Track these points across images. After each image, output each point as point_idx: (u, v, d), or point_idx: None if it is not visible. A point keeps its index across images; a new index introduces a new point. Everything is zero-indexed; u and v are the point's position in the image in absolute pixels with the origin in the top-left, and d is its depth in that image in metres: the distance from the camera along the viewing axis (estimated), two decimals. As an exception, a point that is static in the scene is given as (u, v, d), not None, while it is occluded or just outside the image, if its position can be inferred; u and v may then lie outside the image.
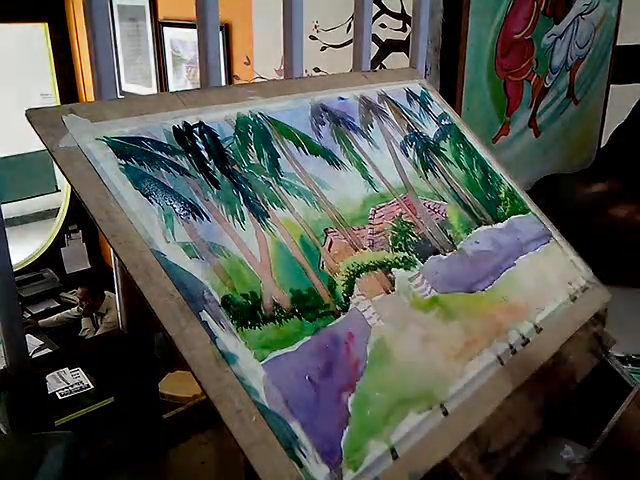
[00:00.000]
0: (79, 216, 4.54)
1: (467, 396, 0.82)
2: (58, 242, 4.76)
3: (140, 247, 0.69)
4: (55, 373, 2.77)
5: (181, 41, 3.54)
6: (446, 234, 1.02)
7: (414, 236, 0.97)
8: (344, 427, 0.69)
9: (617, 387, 1.10)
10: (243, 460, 0.61)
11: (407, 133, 1.14)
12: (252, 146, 0.90)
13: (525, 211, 1.20)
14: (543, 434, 0.93)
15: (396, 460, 0.71)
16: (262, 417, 0.64)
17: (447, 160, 1.17)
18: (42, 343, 3.57)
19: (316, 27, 2.44)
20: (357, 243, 0.89)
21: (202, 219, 0.77)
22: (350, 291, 0.82)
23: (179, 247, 0.72)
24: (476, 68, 1.88)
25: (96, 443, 1.18)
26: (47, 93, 4.72)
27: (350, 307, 0.80)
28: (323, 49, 2.45)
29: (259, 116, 0.94)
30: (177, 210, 0.75)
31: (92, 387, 2.82)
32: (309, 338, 0.74)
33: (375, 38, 2.15)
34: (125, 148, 0.77)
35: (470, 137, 1.26)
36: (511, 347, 0.93)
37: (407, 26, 2.11)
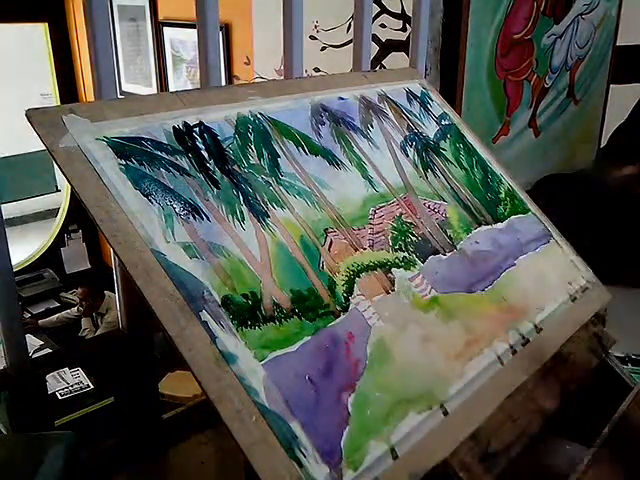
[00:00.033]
0: (79, 216, 4.54)
1: (467, 396, 0.82)
2: (58, 242, 4.76)
3: (140, 247, 0.69)
4: (55, 373, 2.77)
5: (181, 41, 3.54)
6: (446, 234, 1.02)
7: (414, 236, 0.97)
8: (344, 427, 0.69)
9: (617, 387, 1.10)
10: (243, 460, 0.61)
11: (407, 133, 1.14)
12: (252, 146, 0.90)
13: (525, 211, 1.20)
14: (543, 434, 0.93)
15: (396, 460, 0.71)
16: (262, 417, 0.64)
17: (447, 160, 1.17)
18: (42, 343, 3.57)
19: (316, 27, 2.44)
20: (357, 243, 0.89)
21: (202, 219, 0.77)
22: (350, 291, 0.82)
23: (179, 247, 0.72)
24: (476, 68, 1.88)
25: (96, 443, 1.18)
26: (47, 93, 4.72)
27: (350, 307, 0.80)
28: (323, 49, 2.45)
29: (259, 116, 0.94)
30: (177, 210, 0.75)
31: (92, 387, 2.82)
32: (309, 338, 0.74)
33: (375, 38, 2.15)
34: (125, 148, 0.77)
35: (470, 137, 1.26)
36: (511, 347, 0.93)
37: (407, 26, 2.11)
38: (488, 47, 1.90)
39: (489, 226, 1.10)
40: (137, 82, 3.96)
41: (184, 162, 0.81)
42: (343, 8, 2.24)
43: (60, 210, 4.76)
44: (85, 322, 3.78)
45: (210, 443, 1.24)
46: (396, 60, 2.16)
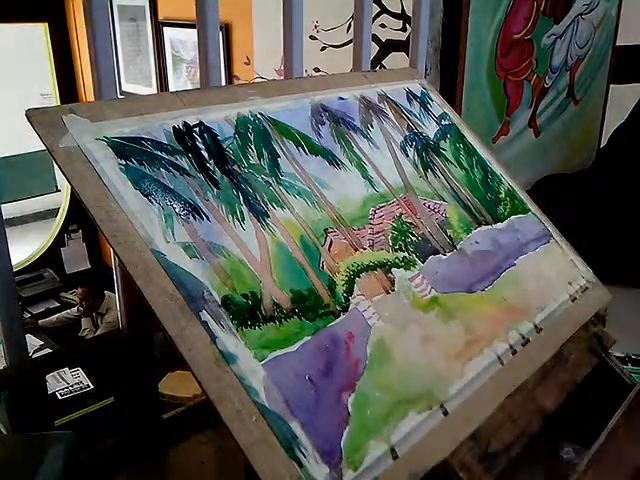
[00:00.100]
0: (79, 216, 4.54)
1: (467, 396, 0.82)
2: (58, 242, 4.75)
3: (140, 247, 0.69)
4: (55, 373, 2.77)
5: (181, 41, 3.54)
6: (446, 234, 1.02)
7: (414, 236, 0.97)
8: (344, 427, 0.69)
9: (617, 387, 1.10)
10: (243, 460, 0.61)
11: (407, 133, 1.14)
12: (252, 146, 0.90)
13: (525, 211, 1.20)
14: (543, 434, 0.93)
15: (396, 460, 0.71)
16: (262, 417, 0.64)
17: (447, 160, 1.17)
18: (42, 343, 3.57)
19: (316, 27, 2.44)
20: (357, 243, 0.89)
21: (202, 219, 0.77)
22: (350, 291, 0.82)
23: (179, 247, 0.72)
24: (476, 68, 1.88)
25: (96, 443, 1.18)
26: (47, 93, 4.71)
27: (350, 307, 0.80)
28: (323, 49, 2.45)
29: (259, 116, 0.94)
30: (177, 210, 0.75)
31: (92, 387, 2.81)
32: (309, 338, 0.74)
33: (375, 38, 2.15)
34: (125, 148, 0.77)
35: (470, 137, 1.26)
36: (511, 347, 0.93)
37: (407, 26, 2.11)
38: (488, 47, 1.90)
39: (489, 226, 1.10)
40: (137, 82, 3.96)
41: (184, 162, 0.81)
42: (343, 8, 2.24)
43: (60, 210, 4.76)
44: (85, 322, 3.78)
45: (210, 443, 1.24)
46: (396, 60, 2.16)
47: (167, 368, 2.00)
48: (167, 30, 3.59)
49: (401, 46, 2.15)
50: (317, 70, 2.46)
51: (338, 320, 0.78)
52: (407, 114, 1.18)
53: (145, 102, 0.84)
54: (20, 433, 1.03)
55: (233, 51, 3.17)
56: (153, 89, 3.78)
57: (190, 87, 3.54)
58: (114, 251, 0.69)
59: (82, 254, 4.82)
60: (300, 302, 0.76)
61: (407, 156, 1.10)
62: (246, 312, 0.71)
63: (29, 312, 4.18)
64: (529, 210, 1.21)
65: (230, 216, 0.79)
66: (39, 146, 0.72)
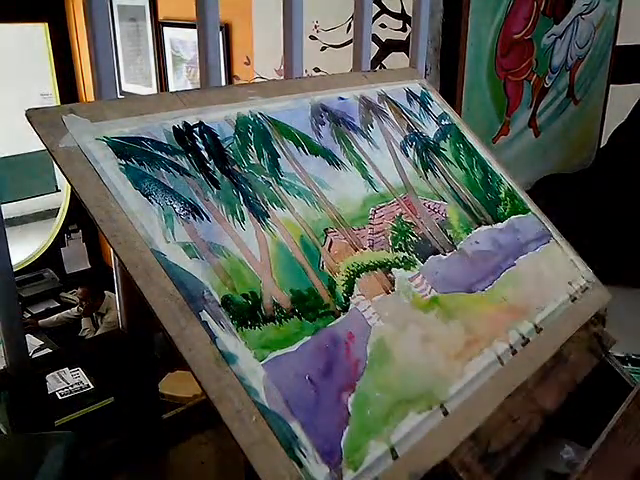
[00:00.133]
0: (79, 216, 4.54)
1: (467, 396, 0.82)
2: (58, 242, 4.75)
3: (140, 247, 0.69)
4: (55, 373, 2.77)
5: (181, 41, 3.54)
6: (446, 234, 1.02)
7: (414, 236, 0.97)
8: (344, 427, 0.69)
9: (617, 387, 1.10)
10: (243, 460, 0.61)
11: (407, 133, 1.14)
12: (252, 146, 0.90)
13: (525, 211, 1.20)
14: (543, 434, 0.93)
15: (396, 460, 0.71)
16: (262, 417, 0.64)
17: (447, 160, 1.17)
18: (42, 343, 3.57)
19: (316, 27, 2.44)
20: (357, 243, 0.89)
21: (202, 219, 0.77)
22: (350, 291, 0.82)
23: (179, 247, 0.72)
24: (476, 68, 1.88)
25: (96, 443, 1.18)
26: (47, 93, 4.72)
27: (350, 307, 0.80)
28: (323, 49, 2.45)
29: (259, 116, 0.94)
30: (177, 210, 0.75)
31: (92, 387, 2.82)
32: (309, 338, 0.74)
33: (375, 38, 2.15)
34: (125, 148, 0.77)
35: (470, 137, 1.26)
36: (511, 347, 0.93)
37: (407, 26, 2.11)
38: (488, 47, 1.90)
39: (489, 226, 1.10)
40: (137, 82, 3.96)
41: (184, 162, 0.81)
42: (343, 8, 2.24)
43: (60, 210, 4.76)
44: (85, 322, 3.78)
45: (210, 443, 1.24)
46: (396, 60, 2.16)
47: (167, 368, 2.00)
48: (167, 30, 3.59)
49: (401, 46, 2.15)
50: (317, 70, 2.46)
51: (338, 320, 0.78)
52: (407, 114, 1.18)
53: (145, 102, 0.84)
54: (20, 433, 1.03)
55: (233, 51, 3.17)
56: (153, 89, 3.78)
57: (190, 87, 3.54)
58: (114, 251, 0.69)
59: (82, 254, 4.82)
60: (300, 302, 0.76)
61: (407, 156, 1.10)
62: (246, 312, 0.71)
63: (29, 312, 4.18)
64: (529, 210, 1.21)
65: (230, 216, 0.79)
66: (39, 146, 0.72)
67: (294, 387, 0.68)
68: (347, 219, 0.91)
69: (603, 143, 2.57)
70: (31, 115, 0.74)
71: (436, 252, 0.98)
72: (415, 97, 1.24)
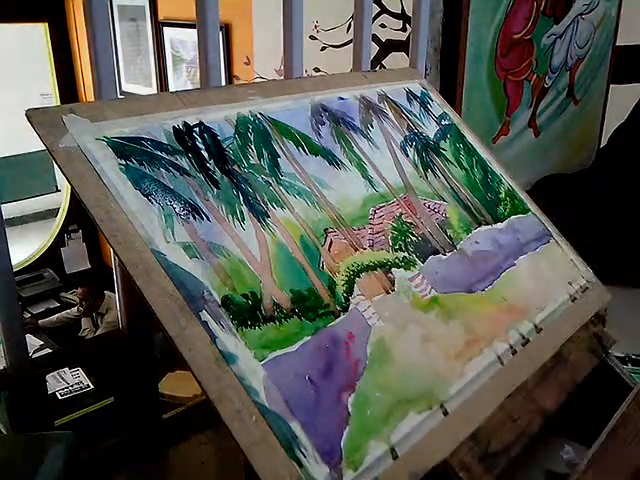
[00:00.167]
0: (79, 216, 4.54)
1: (467, 396, 0.82)
2: (58, 242, 4.75)
3: (140, 247, 0.69)
4: (55, 373, 2.77)
5: (181, 41, 3.54)
6: (446, 234, 1.02)
7: (414, 236, 0.97)
8: (344, 427, 0.69)
9: (617, 387, 1.10)
10: (243, 460, 0.61)
11: (407, 133, 1.14)
12: (252, 146, 0.90)
13: (525, 211, 1.20)
14: (543, 434, 0.93)
15: (396, 460, 0.71)
16: (262, 417, 0.64)
17: (447, 160, 1.17)
18: (42, 343, 3.57)
19: (316, 27, 2.44)
20: (357, 243, 0.89)
21: (202, 219, 0.77)
22: (350, 291, 0.82)
23: (179, 247, 0.72)
24: (476, 68, 1.88)
25: (96, 443, 1.18)
26: (47, 93, 4.72)
27: (350, 307, 0.80)
28: (323, 49, 2.45)
29: (259, 116, 0.94)
30: (177, 210, 0.75)
31: (92, 387, 2.81)
32: (309, 338, 0.74)
33: (375, 38, 2.15)
34: (125, 148, 0.77)
35: (470, 137, 1.26)
36: (511, 347, 0.93)
37: (407, 26, 2.11)
38: (488, 47, 1.89)
39: (489, 226, 1.10)
40: (137, 82, 3.96)
41: (184, 162, 0.81)
42: (343, 8, 2.24)
43: (60, 210, 4.76)
44: (85, 322, 3.78)
45: (210, 443, 1.24)
46: (396, 60, 2.16)
47: (167, 368, 2.00)
48: (167, 30, 3.59)
49: (401, 46, 2.15)
50: (317, 70, 2.46)
51: (338, 320, 0.78)
52: (407, 114, 1.18)
53: (145, 102, 0.84)
54: (20, 433, 1.03)
55: (233, 51, 3.17)
56: (153, 89, 3.78)
57: (190, 87, 3.54)
58: (114, 251, 0.69)
59: (82, 254, 4.82)
60: (300, 302, 0.76)
61: (407, 156, 1.10)
62: (246, 312, 0.71)
63: (29, 312, 4.18)
64: (529, 210, 1.21)
65: (230, 216, 0.79)
66: (39, 146, 0.72)
67: (294, 387, 0.68)
68: (347, 219, 0.91)
69: (603, 143, 2.57)
70: (31, 115, 0.74)
71: (436, 252, 0.98)
72: (415, 97, 1.24)
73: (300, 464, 0.64)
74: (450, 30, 1.77)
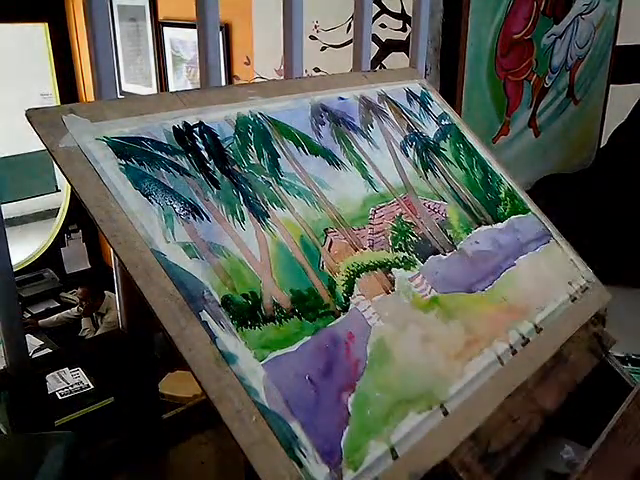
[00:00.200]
0: (79, 216, 4.54)
1: (467, 396, 0.82)
2: (58, 242, 4.75)
3: (140, 247, 0.69)
4: (55, 373, 2.77)
5: (181, 41, 3.54)
6: (446, 234, 1.02)
7: (414, 236, 0.97)
8: (344, 427, 0.69)
9: (617, 387, 1.10)
10: (243, 460, 0.61)
11: (407, 133, 1.14)
12: (252, 146, 0.90)
13: (525, 211, 1.20)
14: (543, 434, 0.93)
15: (396, 460, 0.71)
16: (262, 417, 0.64)
17: (447, 160, 1.17)
18: (42, 343, 3.57)
19: (316, 27, 2.44)
20: (357, 243, 0.89)
21: (202, 219, 0.77)
22: (350, 291, 0.82)
23: (179, 247, 0.72)
24: (476, 68, 1.88)
25: (96, 443, 1.18)
26: (47, 93, 4.72)
27: (350, 307, 0.80)
28: (323, 49, 2.45)
29: (259, 116, 0.94)
30: (177, 210, 0.75)
31: (92, 387, 2.81)
32: (309, 338, 0.74)
33: (375, 38, 2.15)
34: (125, 148, 0.77)
35: (470, 137, 1.26)
36: (511, 347, 0.93)
37: (407, 26, 2.11)
38: (488, 47, 1.90)
39: (489, 226, 1.10)
40: (137, 82, 3.96)
41: (184, 162, 0.81)
42: (343, 8, 2.24)
43: (60, 210, 4.76)
44: (85, 322, 3.78)
45: (210, 443, 1.24)
46: (396, 60, 2.16)
47: (167, 368, 2.00)
48: (167, 30, 3.59)
49: (401, 46, 2.15)
50: (317, 70, 2.46)
51: (338, 320, 0.78)
52: (407, 114, 1.18)
53: (145, 102, 0.84)
54: (20, 433, 1.03)
55: (233, 51, 3.17)
56: (153, 89, 3.78)
57: (190, 87, 3.54)
58: (114, 251, 0.69)
59: (82, 254, 4.82)
60: (300, 302, 0.76)
61: (407, 156, 1.10)
62: (246, 312, 0.71)
63: (29, 312, 4.18)
64: (529, 210, 1.21)
65: (230, 216, 0.79)
66: (39, 146, 0.72)
67: (294, 387, 0.68)
68: (347, 219, 0.91)
69: (603, 143, 2.57)
70: (31, 115, 0.74)
71: (436, 252, 0.98)
72: (415, 97, 1.24)
73: (300, 464, 0.64)
74: (450, 30, 1.77)
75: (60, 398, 2.71)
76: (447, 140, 1.21)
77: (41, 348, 3.44)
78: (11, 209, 4.97)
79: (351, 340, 0.77)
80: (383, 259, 0.90)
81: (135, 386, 1.18)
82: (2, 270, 0.96)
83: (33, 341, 3.51)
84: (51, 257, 4.72)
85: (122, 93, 3.85)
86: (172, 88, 3.64)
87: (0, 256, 0.95)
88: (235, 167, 0.85)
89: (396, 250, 0.93)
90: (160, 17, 3.63)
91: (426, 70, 1.70)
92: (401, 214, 0.99)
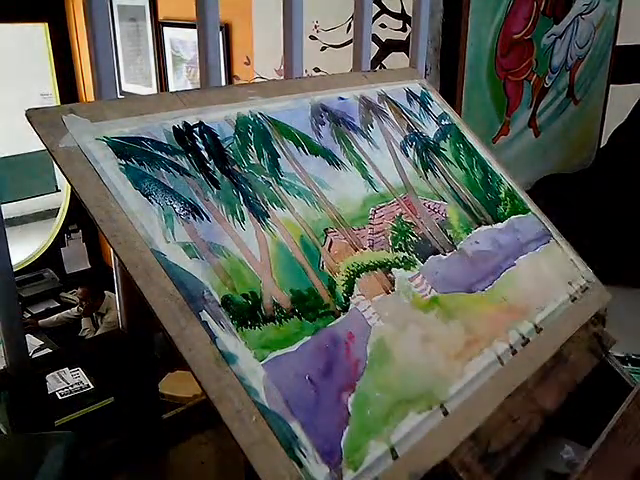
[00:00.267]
0: (79, 216, 4.54)
1: (467, 396, 0.82)
2: (58, 242, 4.75)
3: (140, 247, 0.69)
4: (55, 373, 2.77)
5: (181, 41, 3.54)
6: (446, 234, 1.02)
7: (414, 236, 0.97)
8: (344, 427, 0.69)
9: (617, 387, 1.10)
10: (243, 460, 0.61)
11: (407, 133, 1.14)
12: (252, 146, 0.90)
13: (525, 211, 1.20)
14: (543, 434, 0.93)
15: (396, 460, 0.71)
16: (262, 417, 0.64)
17: (447, 160, 1.17)
18: (42, 343, 3.57)
19: (316, 27, 2.44)
20: (357, 243, 0.89)
21: (202, 219, 0.77)
22: (350, 291, 0.82)
23: (179, 247, 0.72)
24: (476, 68, 1.88)
25: (96, 443, 1.18)
26: (47, 93, 4.72)
27: (350, 307, 0.80)
28: (323, 49, 2.45)
29: (259, 116, 0.94)
30: (177, 210, 0.75)
31: (92, 387, 2.81)
32: (309, 338, 0.74)
33: (375, 38, 2.15)
34: (125, 148, 0.77)
35: (470, 137, 1.26)
36: (511, 347, 0.93)
37: (407, 26, 2.11)
38: (488, 47, 1.90)
39: (489, 226, 1.10)
40: (137, 82, 3.96)
41: (184, 162, 0.81)
42: (343, 8, 2.24)
43: (60, 210, 4.76)
44: (85, 322, 3.78)
45: (210, 443, 1.24)
46: (396, 60, 2.16)
47: (167, 368, 2.00)
48: (167, 30, 3.59)
49: (401, 46, 2.15)
50: (317, 70, 2.46)
51: (338, 320, 0.78)
52: (407, 114, 1.18)
53: (145, 102, 0.84)
54: (20, 433, 1.03)
55: (233, 51, 3.17)
56: (153, 89, 3.78)
57: (190, 87, 3.54)
58: (114, 251, 0.69)
59: (82, 254, 4.82)
60: (300, 302, 0.76)
61: (407, 156, 1.10)
62: (246, 312, 0.71)
63: (29, 312, 4.18)
64: (529, 210, 1.21)
65: (230, 216, 0.79)
66: (39, 146, 0.72)
67: (294, 387, 0.68)
68: (347, 219, 0.91)
69: (603, 143, 2.57)
70: (31, 115, 0.74)
71: (436, 252, 0.98)
72: (415, 97, 1.24)
73: (300, 464, 0.64)
74: (450, 30, 1.77)
75: (60, 398, 2.71)
76: (447, 140, 1.21)
77: (41, 348, 3.44)
78: (11, 209, 4.98)
79: (351, 340, 0.77)
80: (383, 259, 0.90)
81: (135, 386, 1.18)
82: (2, 270, 0.96)
83: (33, 341, 3.51)
84: (51, 257, 4.72)
85: (122, 93, 3.85)
86: (172, 88, 3.64)
87: (0, 256, 0.95)
88: (235, 167, 0.85)
89: (396, 250, 0.93)
90: (160, 17, 3.63)
91: (426, 70, 1.70)
92: (401, 214, 0.99)
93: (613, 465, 0.93)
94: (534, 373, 0.94)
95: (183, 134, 0.84)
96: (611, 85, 2.50)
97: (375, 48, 2.18)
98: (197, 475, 1.20)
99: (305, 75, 1.43)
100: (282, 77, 1.37)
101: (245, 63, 3.10)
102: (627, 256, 2.06)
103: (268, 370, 0.68)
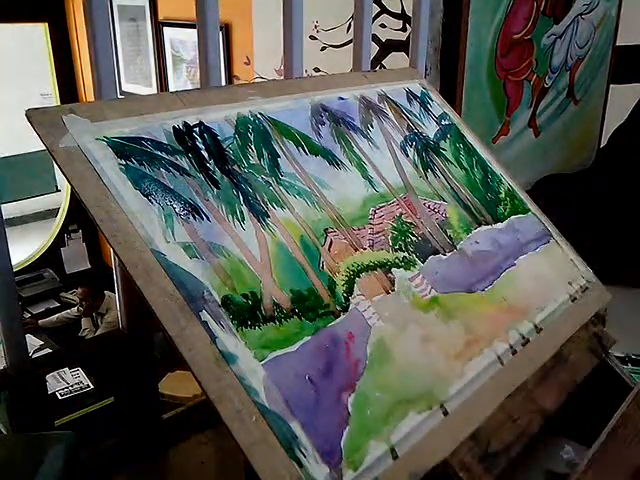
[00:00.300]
0: (79, 216, 4.54)
1: (467, 396, 0.82)
2: (58, 242, 4.75)
3: (140, 247, 0.69)
4: (55, 373, 2.77)
5: (181, 41, 3.54)
6: (446, 234, 1.02)
7: (414, 236, 0.97)
8: (344, 427, 0.69)
9: (617, 387, 1.10)
10: (243, 460, 0.61)
11: (407, 133, 1.14)
12: (252, 146, 0.90)
13: (525, 211, 1.20)
14: (543, 434, 0.93)
15: (396, 460, 0.71)
16: (262, 417, 0.64)
17: (447, 160, 1.17)
18: (42, 343, 3.57)
19: (316, 27, 2.44)
20: (357, 243, 0.89)
21: (202, 219, 0.77)
22: (350, 291, 0.82)
23: (179, 247, 0.72)
24: (476, 68, 1.88)
25: (96, 443, 1.18)
26: (47, 93, 4.72)
27: (350, 307, 0.80)
28: (323, 49, 2.45)
29: (259, 116, 0.94)
30: (177, 210, 0.75)
31: (92, 387, 2.81)
32: (309, 338, 0.74)
33: (375, 38, 2.15)
34: (125, 148, 0.77)
35: (470, 137, 1.26)
36: (511, 347, 0.93)
37: (407, 26, 2.11)
38: (488, 47, 1.90)
39: (489, 226, 1.10)
40: (137, 82, 3.96)
41: (184, 162, 0.81)
42: (343, 8, 2.24)
43: (60, 210, 4.76)
44: (85, 322, 3.78)
45: (210, 443, 1.24)
46: (396, 60, 2.16)
47: (167, 368, 2.00)
48: (167, 30, 3.59)
49: (401, 46, 2.15)
50: (317, 70, 2.46)
51: (338, 320, 0.78)
52: (407, 114, 1.18)
53: (145, 102, 0.84)
54: (20, 433, 1.03)
55: (233, 51, 3.17)
56: (153, 89, 3.78)
57: (190, 87, 3.54)
58: (114, 251, 0.69)
59: (82, 254, 4.82)
60: (300, 302, 0.76)
61: (407, 156, 1.10)
62: (246, 312, 0.71)
63: (29, 312, 4.18)
64: (529, 210, 1.21)
65: (230, 216, 0.79)
66: (39, 146, 0.72)
67: (294, 387, 0.68)
68: (347, 219, 0.91)
69: (603, 143, 2.57)
70: (31, 115, 0.74)
71: (436, 252, 0.98)
72: (415, 97, 1.24)
73: (300, 464, 0.64)
74: (450, 30, 1.77)
75: (60, 398, 2.71)
76: (447, 140, 1.21)
77: (41, 348, 3.44)
78: (11, 209, 4.98)
79: (351, 340, 0.77)
80: (383, 259, 0.90)
81: (135, 386, 1.18)
82: (2, 270, 0.96)
83: (33, 341, 3.51)
84: (51, 257, 4.72)
85: (122, 93, 3.85)
86: (172, 88, 3.64)
87: (0, 256, 0.95)
88: (235, 167, 0.85)
89: (396, 250, 0.93)
90: (160, 17, 3.63)
91: (426, 70, 1.70)
92: (401, 214, 0.99)
93: (613, 465, 0.93)
94: (534, 373, 0.94)
95: (183, 134, 0.84)
96: (611, 85, 2.50)
97: (375, 48, 2.18)
98: (197, 475, 1.20)
99: (305, 75, 1.43)
100: (282, 77, 1.37)
101: (245, 63, 3.10)
102: (627, 256, 2.06)
103: (268, 370, 0.68)
